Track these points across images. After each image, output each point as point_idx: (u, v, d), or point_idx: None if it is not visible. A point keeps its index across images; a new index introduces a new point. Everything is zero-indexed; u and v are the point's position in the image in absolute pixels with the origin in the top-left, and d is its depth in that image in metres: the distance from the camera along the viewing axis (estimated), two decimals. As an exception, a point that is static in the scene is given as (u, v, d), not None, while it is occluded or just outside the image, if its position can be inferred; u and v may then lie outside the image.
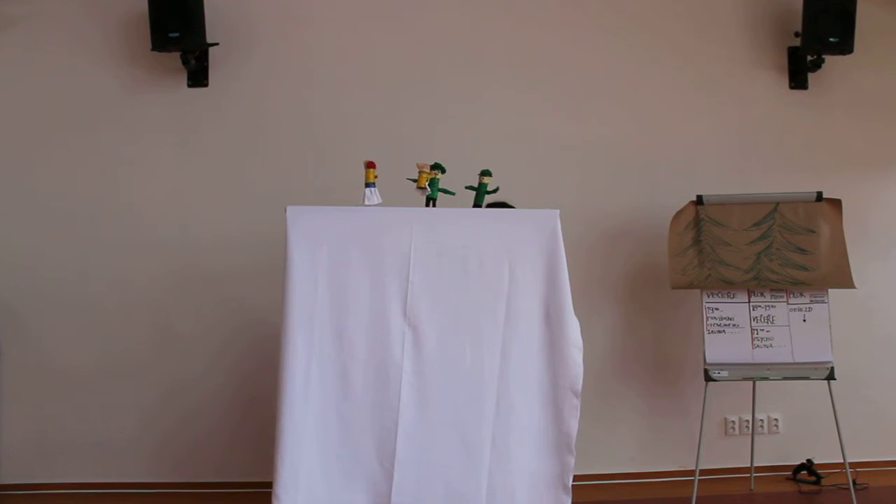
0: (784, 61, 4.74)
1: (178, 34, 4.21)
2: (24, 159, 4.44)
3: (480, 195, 3.32)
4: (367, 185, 3.23)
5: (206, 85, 4.50)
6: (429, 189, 3.27)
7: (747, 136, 4.69)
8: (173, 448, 4.40)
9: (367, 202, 3.21)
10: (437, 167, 3.29)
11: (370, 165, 3.22)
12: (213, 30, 4.36)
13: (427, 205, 3.30)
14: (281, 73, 4.52)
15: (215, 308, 4.42)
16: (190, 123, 4.49)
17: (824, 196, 4.09)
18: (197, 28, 4.24)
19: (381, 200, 3.24)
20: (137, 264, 4.42)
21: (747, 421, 4.52)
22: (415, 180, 3.28)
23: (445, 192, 3.30)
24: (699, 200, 4.18)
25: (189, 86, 4.50)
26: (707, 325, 4.09)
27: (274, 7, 4.54)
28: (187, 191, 4.47)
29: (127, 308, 4.41)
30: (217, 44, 4.40)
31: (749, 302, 4.10)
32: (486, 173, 3.32)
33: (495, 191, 3.38)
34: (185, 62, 4.36)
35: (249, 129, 4.50)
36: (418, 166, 3.28)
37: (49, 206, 4.42)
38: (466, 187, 3.35)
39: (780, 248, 4.07)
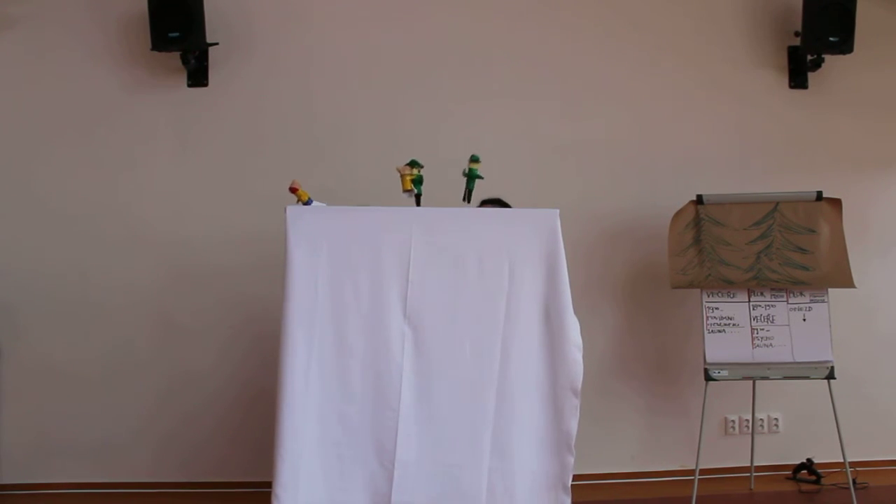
0: (784, 61, 4.74)
1: (178, 34, 4.21)
2: (24, 159, 4.44)
3: (471, 181, 3.34)
4: (306, 203, 3.23)
5: (206, 85, 4.50)
6: (415, 189, 3.29)
7: (747, 136, 4.69)
8: (174, 448, 4.40)
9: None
10: (414, 164, 3.30)
11: (294, 190, 3.22)
12: (213, 30, 4.36)
13: (417, 204, 3.31)
14: (281, 73, 4.52)
15: (215, 308, 4.42)
16: (190, 123, 4.49)
17: (824, 195, 4.09)
18: (197, 28, 4.24)
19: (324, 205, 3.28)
20: (137, 264, 4.42)
21: (747, 420, 4.52)
22: (413, 191, 3.29)
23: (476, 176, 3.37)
24: (699, 200, 4.18)
25: (189, 86, 4.50)
26: (707, 324, 4.09)
27: (274, 7, 4.54)
28: (187, 190, 4.47)
29: (127, 308, 4.41)
30: (217, 44, 4.40)
31: (749, 301, 4.10)
32: (474, 159, 3.35)
33: (480, 178, 3.39)
34: (185, 62, 4.36)
35: (249, 129, 4.50)
36: (398, 170, 3.29)
37: (49, 206, 4.42)
38: (464, 174, 3.37)
39: (780, 247, 4.07)
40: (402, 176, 3.29)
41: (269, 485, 2.95)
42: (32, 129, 4.45)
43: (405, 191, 3.30)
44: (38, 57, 4.46)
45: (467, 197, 3.38)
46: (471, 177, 3.35)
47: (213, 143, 4.49)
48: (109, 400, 4.38)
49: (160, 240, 4.43)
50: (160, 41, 4.23)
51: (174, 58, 4.38)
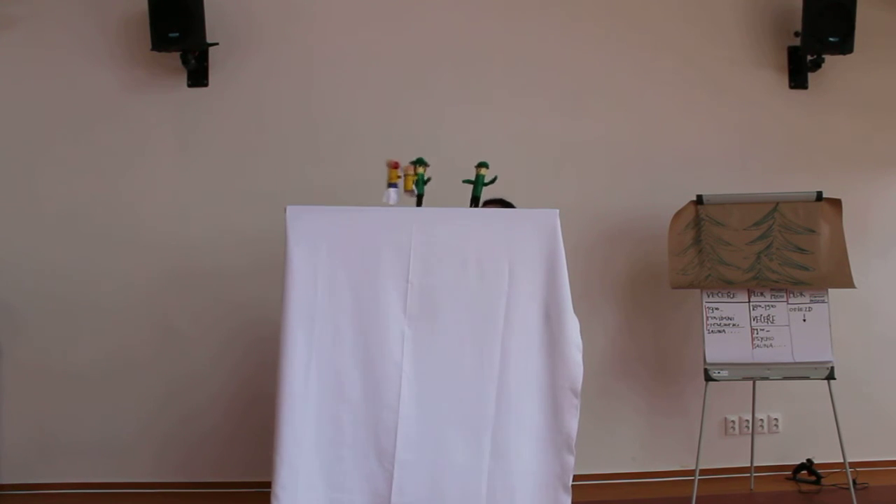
0: (784, 61, 4.74)
1: (178, 34, 4.21)
2: (24, 159, 4.44)
3: (478, 187, 3.33)
4: (390, 185, 3.23)
5: (206, 85, 4.50)
6: (416, 189, 3.28)
7: (747, 136, 4.69)
8: (174, 448, 4.40)
9: (387, 201, 3.22)
10: (420, 162, 3.29)
11: (393, 166, 3.22)
12: (213, 30, 4.37)
13: (418, 204, 3.30)
14: (281, 73, 4.52)
15: (216, 308, 4.42)
16: (190, 123, 4.50)
17: (824, 196, 4.09)
18: (197, 28, 4.24)
19: (397, 200, 3.24)
20: (137, 264, 4.42)
21: (747, 421, 4.52)
22: (420, 191, 3.28)
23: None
24: (699, 200, 4.18)
25: (189, 86, 4.50)
26: (707, 324, 4.09)
27: (274, 7, 4.54)
28: (187, 191, 4.47)
29: (127, 308, 4.41)
30: (217, 44, 4.40)
31: (749, 302, 4.10)
32: (482, 165, 3.34)
33: (493, 181, 3.38)
34: (185, 62, 4.37)
35: (249, 129, 4.50)
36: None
37: (49, 206, 4.42)
38: (464, 181, 3.36)
39: (780, 247, 4.07)
40: (406, 176, 3.28)
41: (268, 485, 2.95)
42: (32, 129, 4.45)
43: (406, 191, 3.29)
44: (37, 57, 4.46)
45: (474, 203, 3.36)
46: (478, 183, 3.34)
47: (213, 144, 4.49)
48: (109, 400, 4.38)
49: (160, 240, 4.43)
50: (160, 41, 4.23)
51: (174, 58, 4.38)
